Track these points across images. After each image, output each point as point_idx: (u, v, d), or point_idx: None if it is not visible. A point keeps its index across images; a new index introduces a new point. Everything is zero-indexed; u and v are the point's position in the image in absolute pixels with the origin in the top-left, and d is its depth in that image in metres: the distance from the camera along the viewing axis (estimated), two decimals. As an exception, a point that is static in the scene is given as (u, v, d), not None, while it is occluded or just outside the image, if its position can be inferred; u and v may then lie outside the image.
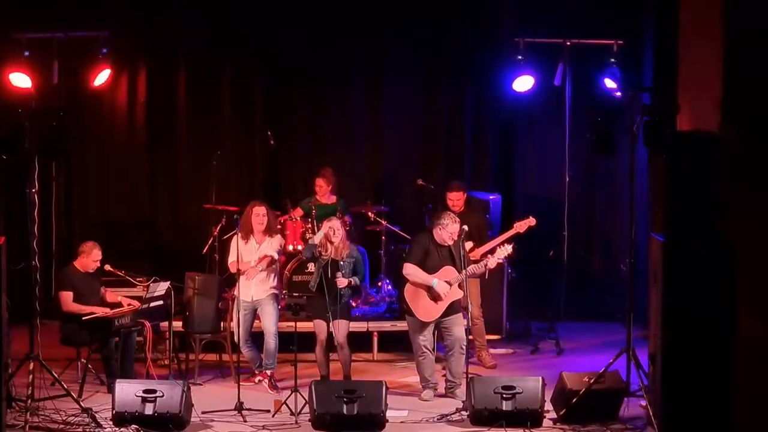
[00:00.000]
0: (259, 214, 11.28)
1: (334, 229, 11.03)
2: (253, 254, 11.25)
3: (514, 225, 11.64)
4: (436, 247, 10.75)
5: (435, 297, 10.67)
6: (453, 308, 10.69)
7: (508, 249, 10.93)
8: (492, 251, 11.10)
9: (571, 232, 13.27)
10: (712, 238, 9.64)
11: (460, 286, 10.64)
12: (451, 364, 10.80)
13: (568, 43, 13.12)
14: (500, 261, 11.03)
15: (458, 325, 10.70)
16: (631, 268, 10.52)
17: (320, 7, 14.31)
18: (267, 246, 11.30)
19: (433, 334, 10.93)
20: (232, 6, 14.25)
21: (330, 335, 10.94)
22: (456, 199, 11.94)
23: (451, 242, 10.69)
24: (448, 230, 10.66)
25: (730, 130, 9.74)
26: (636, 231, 10.70)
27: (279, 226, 12.83)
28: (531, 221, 11.47)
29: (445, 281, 10.63)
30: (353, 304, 11.33)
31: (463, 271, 10.60)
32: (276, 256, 11.38)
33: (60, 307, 11.13)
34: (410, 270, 10.73)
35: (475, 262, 11.12)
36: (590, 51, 13.17)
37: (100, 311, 11.06)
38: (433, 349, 10.97)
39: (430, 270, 10.71)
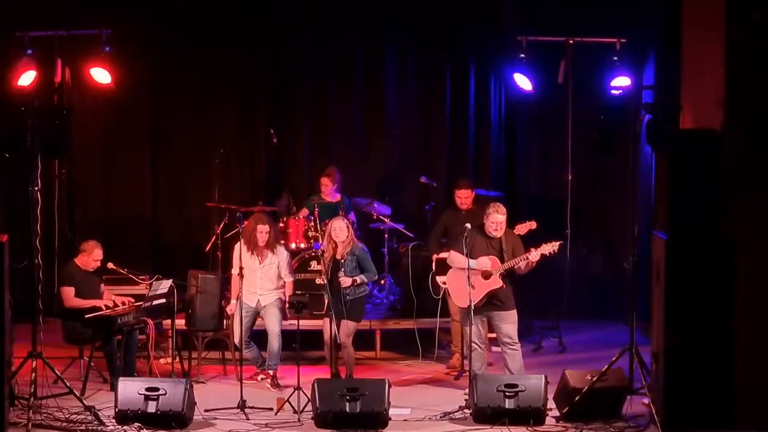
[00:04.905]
0: (262, 231, 11.21)
1: (336, 228, 11.03)
2: (256, 267, 11.26)
3: (516, 227, 11.57)
4: (487, 239, 10.60)
5: (472, 283, 10.47)
6: (502, 303, 10.57)
7: (554, 246, 10.56)
8: (536, 245, 10.69)
9: (573, 231, 13.26)
10: (714, 236, 9.64)
11: (500, 276, 10.50)
12: (506, 361, 10.66)
13: (571, 42, 13.10)
14: (545, 255, 10.58)
15: (507, 322, 10.60)
16: (634, 266, 10.52)
17: (321, 6, 14.32)
18: (271, 263, 11.27)
19: (484, 328, 10.73)
20: (233, 4, 14.26)
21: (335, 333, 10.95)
22: (464, 196, 11.91)
23: (496, 233, 10.54)
24: (489, 219, 10.53)
25: (732, 129, 9.75)
26: (638, 229, 10.69)
27: (282, 225, 12.87)
28: (532, 224, 11.30)
29: (483, 271, 10.47)
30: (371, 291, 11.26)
31: (495, 264, 10.47)
32: (290, 279, 11.40)
33: (62, 302, 11.13)
34: (451, 256, 10.67)
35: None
36: (593, 49, 13.16)
37: (102, 304, 11.07)
38: (484, 343, 10.80)
39: (475, 258, 10.54)
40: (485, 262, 10.49)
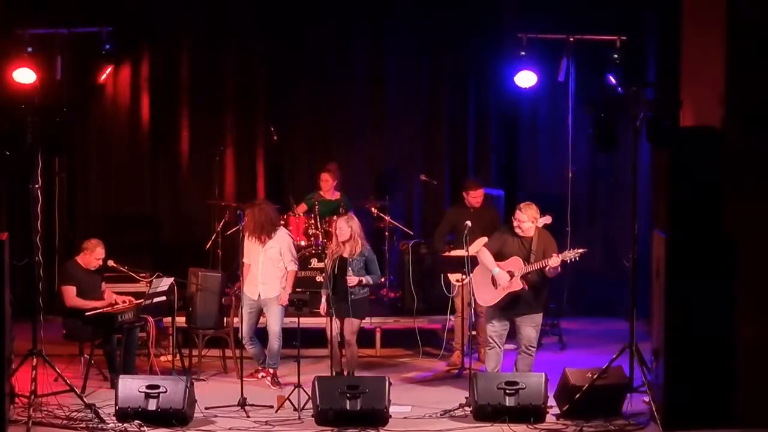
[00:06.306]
0: (244, 218, 11.17)
1: (338, 228, 11.01)
2: (259, 251, 11.25)
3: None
4: (518, 238, 10.50)
5: (495, 284, 10.47)
6: (527, 306, 10.46)
7: (577, 253, 10.35)
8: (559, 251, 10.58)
9: (573, 228, 13.26)
10: (714, 233, 9.64)
11: (522, 278, 10.38)
12: (517, 361, 10.63)
13: (572, 39, 13.09)
14: (566, 261, 10.35)
15: (529, 325, 10.48)
16: (634, 263, 10.51)
17: (322, 2, 14.31)
18: (272, 246, 11.23)
19: (505, 328, 10.65)
20: (234, 2, 14.26)
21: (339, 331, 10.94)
22: (478, 196, 11.91)
23: (519, 232, 10.43)
24: (516, 217, 10.47)
25: (732, 126, 9.75)
26: (638, 226, 10.68)
27: (282, 222, 12.86)
28: (547, 219, 11.17)
29: (508, 271, 10.40)
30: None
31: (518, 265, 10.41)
32: (293, 268, 11.33)
33: (63, 302, 11.13)
34: (481, 253, 10.57)
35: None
36: (593, 46, 13.14)
37: (102, 305, 11.08)
38: (503, 343, 10.71)
39: (505, 257, 10.50)
40: (504, 277, 10.37)
